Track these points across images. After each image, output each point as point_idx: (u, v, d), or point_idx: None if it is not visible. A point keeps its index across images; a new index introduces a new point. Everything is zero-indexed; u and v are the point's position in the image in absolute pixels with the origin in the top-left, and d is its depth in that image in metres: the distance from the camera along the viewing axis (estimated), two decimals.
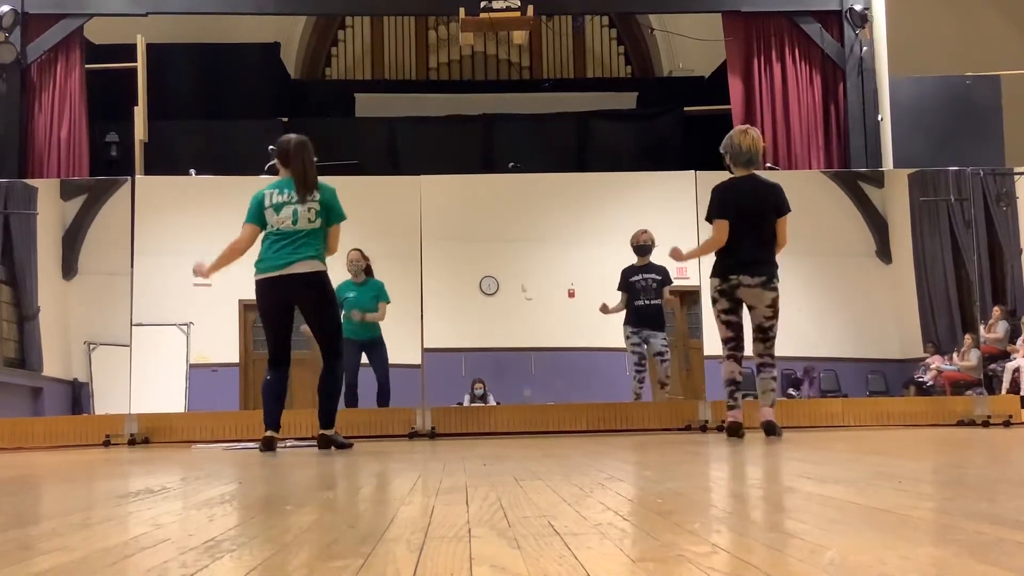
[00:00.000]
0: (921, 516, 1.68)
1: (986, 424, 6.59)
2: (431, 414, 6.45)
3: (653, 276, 7.07)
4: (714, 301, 5.20)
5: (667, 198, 7.62)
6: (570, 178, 7.73)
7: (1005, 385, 10.03)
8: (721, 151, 5.27)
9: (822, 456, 3.77)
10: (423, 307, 7.29)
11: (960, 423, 6.70)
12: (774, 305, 5.12)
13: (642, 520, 1.62)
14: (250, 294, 7.88)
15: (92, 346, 7.33)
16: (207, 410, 6.99)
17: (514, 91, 12.28)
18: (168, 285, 7.93)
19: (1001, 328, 10.43)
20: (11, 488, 2.99)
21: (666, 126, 10.19)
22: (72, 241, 7.21)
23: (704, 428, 6.44)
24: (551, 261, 10.75)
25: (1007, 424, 6.67)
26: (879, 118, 8.21)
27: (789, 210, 5.17)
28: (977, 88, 8.36)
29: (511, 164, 7.83)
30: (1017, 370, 9.96)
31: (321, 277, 4.90)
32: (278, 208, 4.93)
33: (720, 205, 5.20)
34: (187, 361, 8.66)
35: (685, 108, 9.96)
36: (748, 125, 5.75)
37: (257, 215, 4.97)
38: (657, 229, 9.48)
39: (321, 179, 5.03)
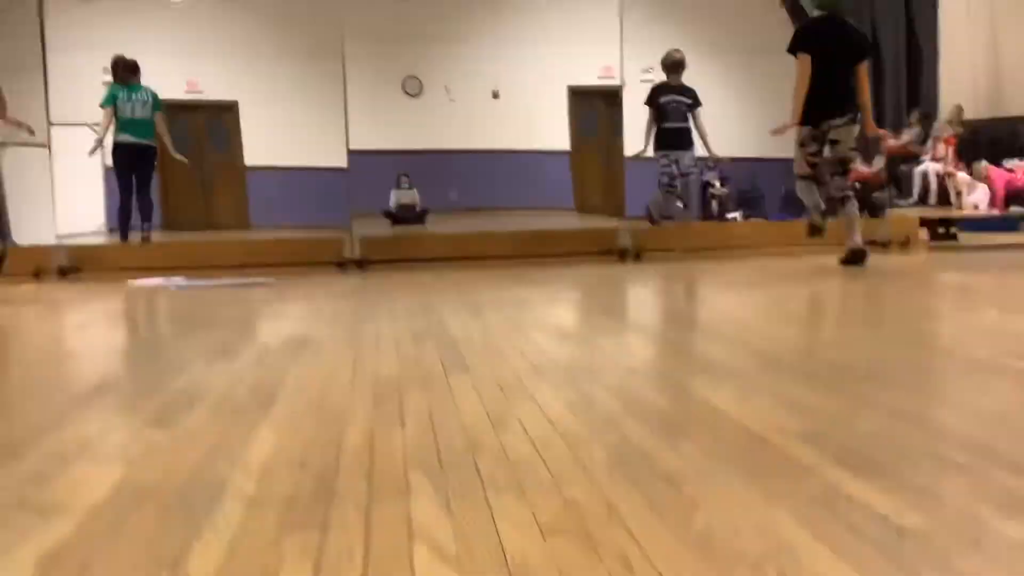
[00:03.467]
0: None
1: (885, 246, 6.97)
2: (359, 243, 6.59)
3: (683, 98, 7.10)
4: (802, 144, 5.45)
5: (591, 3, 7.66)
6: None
7: (916, 191, 10.51)
8: None
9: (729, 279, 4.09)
10: (347, 110, 7.31)
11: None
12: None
13: (560, 468, 1.87)
14: (164, 94, 7.72)
15: (2, 146, 7.16)
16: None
17: None
18: (83, 83, 7.73)
19: (913, 132, 10.80)
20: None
21: None
22: None
23: (623, 255, 6.73)
24: (475, 63, 10.63)
25: (904, 245, 7.09)
26: None
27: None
28: None
29: None
30: (925, 174, 10.42)
31: None
32: None
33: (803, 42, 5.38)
34: (103, 165, 8.58)
35: None
36: None
37: None
38: (584, 41, 9.38)
39: None
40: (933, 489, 1.57)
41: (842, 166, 5.46)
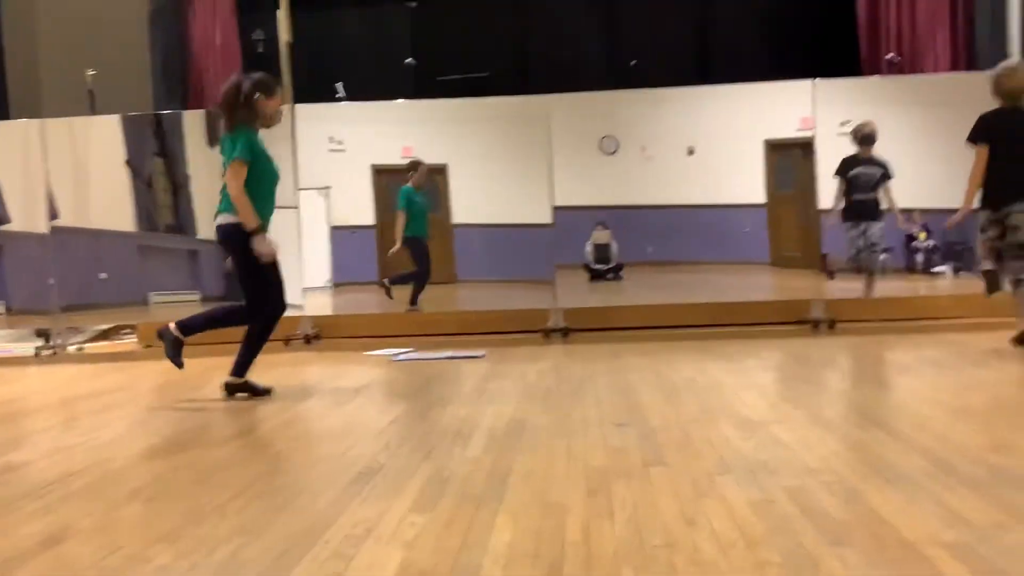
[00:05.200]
0: None
1: None
2: (564, 314, 7.19)
3: (873, 170, 7.43)
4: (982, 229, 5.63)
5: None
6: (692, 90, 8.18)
7: None
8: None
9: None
10: (552, 169, 7.99)
11: None
12: None
13: (740, 570, 2.30)
14: (382, 159, 8.83)
15: None
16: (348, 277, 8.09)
17: None
18: (307, 152, 8.68)
19: None
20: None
21: None
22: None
23: (816, 324, 6.97)
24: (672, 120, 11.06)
25: None
26: None
27: None
28: None
29: (633, 63, 8.19)
30: None
31: (227, 230, 4.82)
32: None
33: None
34: (328, 223, 9.66)
35: None
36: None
37: None
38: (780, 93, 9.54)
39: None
40: None
41: (1021, 250, 5.50)
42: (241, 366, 4.94)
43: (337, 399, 4.89)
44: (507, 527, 2.59)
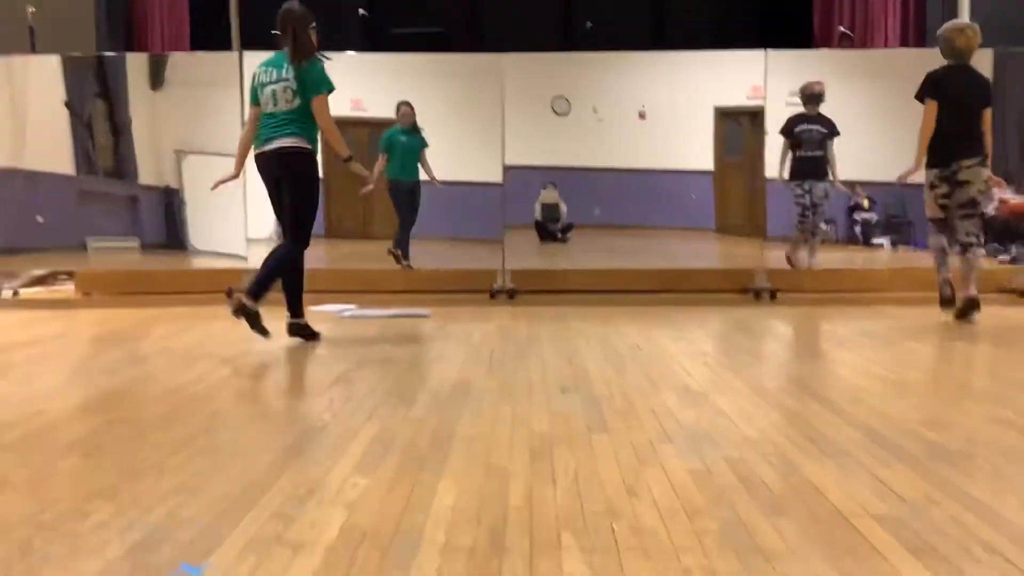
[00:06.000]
0: None
1: (1022, 294, 7.07)
2: (511, 275, 7.19)
3: (819, 128, 7.47)
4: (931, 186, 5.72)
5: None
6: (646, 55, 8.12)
7: None
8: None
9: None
10: (504, 128, 7.94)
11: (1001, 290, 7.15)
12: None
13: (680, 537, 2.33)
14: (332, 111, 8.70)
15: (182, 155, 8.05)
16: None
17: None
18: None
19: None
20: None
21: None
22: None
23: (758, 294, 7.07)
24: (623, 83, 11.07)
25: None
26: None
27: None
28: None
29: (588, 25, 8.15)
30: None
31: (300, 154, 4.94)
32: (262, 88, 5.03)
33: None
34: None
35: None
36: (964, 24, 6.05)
37: (253, 96, 5.13)
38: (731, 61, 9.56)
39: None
40: None
41: (971, 207, 5.62)
42: (298, 305, 5.14)
43: (279, 355, 4.84)
44: (450, 490, 2.59)
